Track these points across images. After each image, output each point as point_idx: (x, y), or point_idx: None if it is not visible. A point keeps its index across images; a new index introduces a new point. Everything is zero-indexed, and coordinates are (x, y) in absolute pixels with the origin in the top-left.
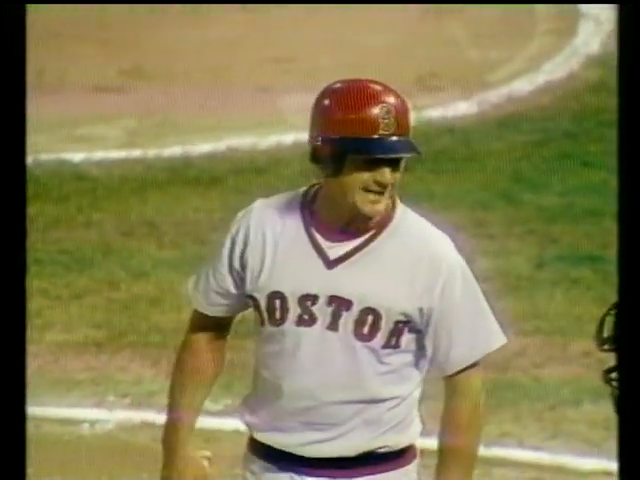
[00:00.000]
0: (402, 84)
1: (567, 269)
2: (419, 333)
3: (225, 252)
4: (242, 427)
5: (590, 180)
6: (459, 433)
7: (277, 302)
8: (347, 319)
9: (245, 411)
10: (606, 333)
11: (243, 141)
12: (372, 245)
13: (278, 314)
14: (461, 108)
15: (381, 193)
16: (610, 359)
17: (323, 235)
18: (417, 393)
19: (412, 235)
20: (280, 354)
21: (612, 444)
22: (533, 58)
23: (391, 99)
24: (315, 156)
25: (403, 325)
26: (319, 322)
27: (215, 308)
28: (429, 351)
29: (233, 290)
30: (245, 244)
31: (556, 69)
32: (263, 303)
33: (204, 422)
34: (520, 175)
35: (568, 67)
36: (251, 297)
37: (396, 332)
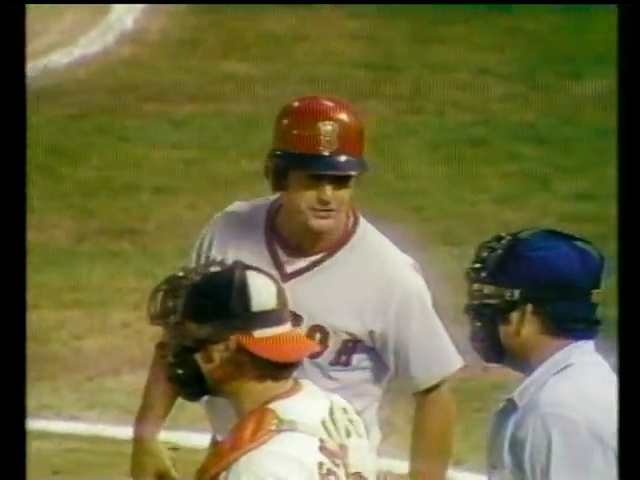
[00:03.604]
0: None
1: (107, 243)
2: (374, 351)
3: (194, 253)
4: None
5: (127, 154)
6: (431, 451)
7: None
8: None
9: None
10: (157, 308)
11: None
12: (329, 261)
13: None
14: None
15: (330, 210)
16: (150, 329)
17: (283, 248)
18: (375, 407)
19: (370, 255)
20: None
21: None
22: (66, 31)
23: (339, 116)
24: (265, 170)
25: (353, 344)
26: None
27: None
28: (391, 369)
29: None
30: (209, 249)
31: (91, 43)
32: None
33: None
34: (58, 148)
35: (103, 42)
36: None
37: (346, 350)
